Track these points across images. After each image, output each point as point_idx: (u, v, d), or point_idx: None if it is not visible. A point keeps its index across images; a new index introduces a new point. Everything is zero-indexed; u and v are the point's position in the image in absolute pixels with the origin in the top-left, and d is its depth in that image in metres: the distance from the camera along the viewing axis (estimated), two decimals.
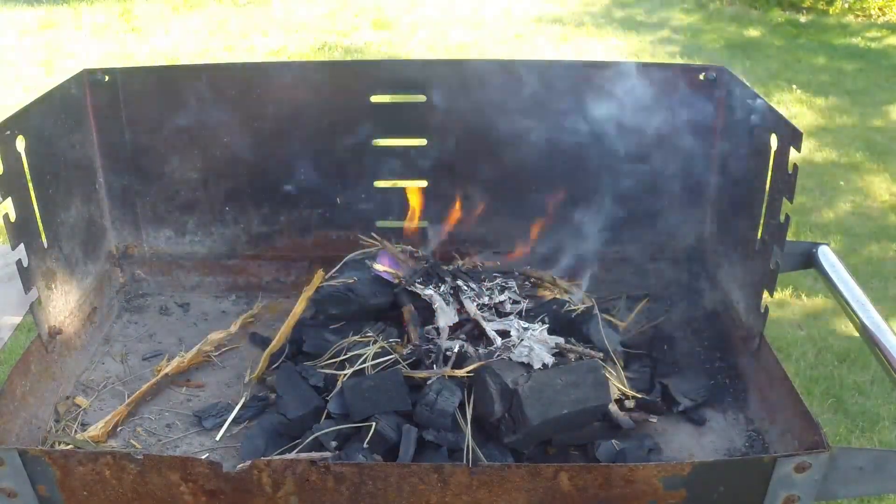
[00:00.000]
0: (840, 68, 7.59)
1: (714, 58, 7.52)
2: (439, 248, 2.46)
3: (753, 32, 8.62)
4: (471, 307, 2.09)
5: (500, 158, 2.40)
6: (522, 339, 1.93)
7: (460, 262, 2.38)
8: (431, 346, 1.96)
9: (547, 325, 2.03)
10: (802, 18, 9.11)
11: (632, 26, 8.65)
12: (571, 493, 1.45)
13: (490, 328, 2.02)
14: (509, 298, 2.18)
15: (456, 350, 1.93)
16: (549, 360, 1.87)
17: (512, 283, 2.24)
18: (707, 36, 8.44)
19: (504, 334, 2.00)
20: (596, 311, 2.18)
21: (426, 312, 2.10)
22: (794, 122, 1.81)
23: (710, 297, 2.36)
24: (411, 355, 1.95)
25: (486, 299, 2.16)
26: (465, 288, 2.17)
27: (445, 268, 2.27)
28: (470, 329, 2.06)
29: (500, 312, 2.15)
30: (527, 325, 2.03)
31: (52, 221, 2.06)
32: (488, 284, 2.22)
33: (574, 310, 2.18)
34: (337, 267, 2.29)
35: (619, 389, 1.96)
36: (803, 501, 1.48)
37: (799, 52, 8.05)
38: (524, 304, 2.17)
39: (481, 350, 1.94)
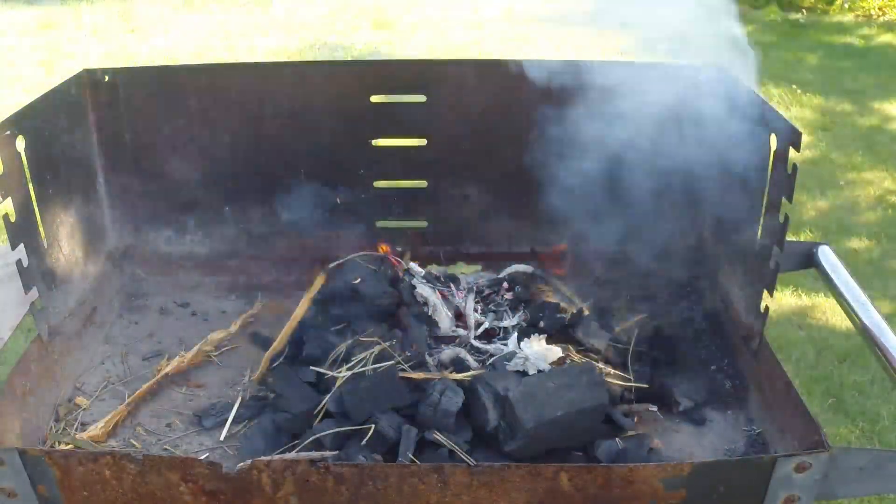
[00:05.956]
0: (839, 67, 7.59)
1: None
2: (441, 251, 2.46)
3: (751, 31, 8.62)
4: (469, 318, 2.08)
5: (500, 159, 2.40)
6: (518, 352, 1.92)
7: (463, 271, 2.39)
8: (432, 350, 1.96)
9: (545, 335, 2.01)
10: (801, 17, 9.11)
11: (630, 25, 8.65)
12: (571, 493, 1.45)
13: (482, 344, 2.02)
14: (507, 309, 2.17)
15: (451, 356, 1.93)
16: (545, 366, 1.86)
17: (509, 293, 2.24)
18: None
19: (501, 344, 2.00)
20: (594, 313, 2.18)
21: (427, 317, 2.10)
22: (793, 121, 1.81)
23: (710, 297, 2.36)
24: (412, 358, 1.94)
25: (485, 314, 2.16)
26: (467, 301, 2.16)
27: (446, 271, 2.28)
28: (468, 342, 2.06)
29: (497, 315, 2.15)
30: (523, 339, 2.01)
31: (52, 221, 2.06)
32: (487, 293, 2.22)
33: (572, 312, 2.18)
34: (337, 262, 2.28)
35: (618, 387, 1.95)
36: (803, 501, 1.48)
37: (798, 51, 8.05)
38: (521, 316, 2.17)
39: (475, 363, 1.94)
